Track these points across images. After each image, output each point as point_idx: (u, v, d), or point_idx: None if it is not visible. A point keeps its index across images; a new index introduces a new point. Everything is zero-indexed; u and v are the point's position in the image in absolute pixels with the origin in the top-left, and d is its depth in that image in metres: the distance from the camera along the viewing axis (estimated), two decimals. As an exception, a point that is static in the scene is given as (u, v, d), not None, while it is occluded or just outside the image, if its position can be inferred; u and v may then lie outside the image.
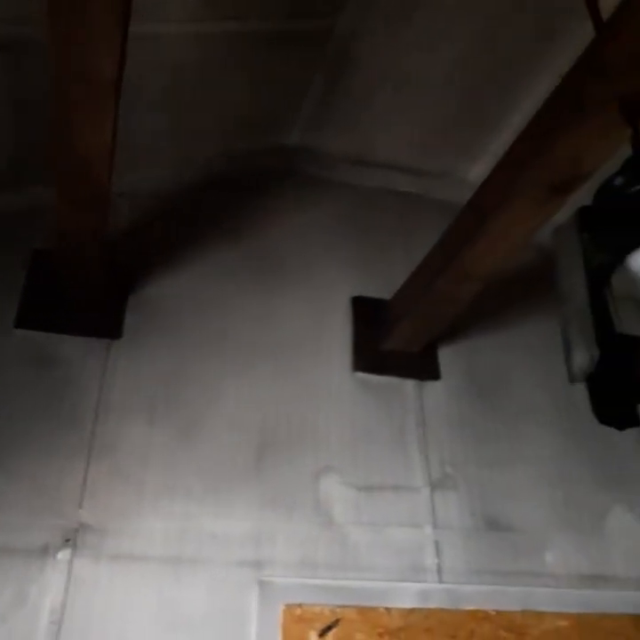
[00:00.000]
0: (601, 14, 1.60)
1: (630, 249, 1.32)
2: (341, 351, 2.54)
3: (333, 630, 2.03)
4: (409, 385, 2.56)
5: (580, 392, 2.39)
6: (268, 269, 2.63)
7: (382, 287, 2.64)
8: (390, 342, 2.52)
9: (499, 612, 2.18)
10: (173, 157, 2.44)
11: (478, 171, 2.61)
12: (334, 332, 2.57)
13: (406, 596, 2.13)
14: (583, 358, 1.22)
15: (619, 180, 1.37)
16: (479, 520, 2.35)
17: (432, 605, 2.14)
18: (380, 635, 2.06)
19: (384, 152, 2.83)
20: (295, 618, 2.02)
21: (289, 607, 2.02)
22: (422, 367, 2.59)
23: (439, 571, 2.21)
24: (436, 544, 2.26)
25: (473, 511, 2.35)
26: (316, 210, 2.84)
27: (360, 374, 2.51)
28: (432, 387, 2.58)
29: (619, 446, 2.63)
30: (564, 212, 1.57)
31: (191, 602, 1.96)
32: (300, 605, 2.04)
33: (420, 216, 2.85)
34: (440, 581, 2.19)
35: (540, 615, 2.21)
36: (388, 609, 2.10)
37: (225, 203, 2.72)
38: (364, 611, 2.08)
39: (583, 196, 1.49)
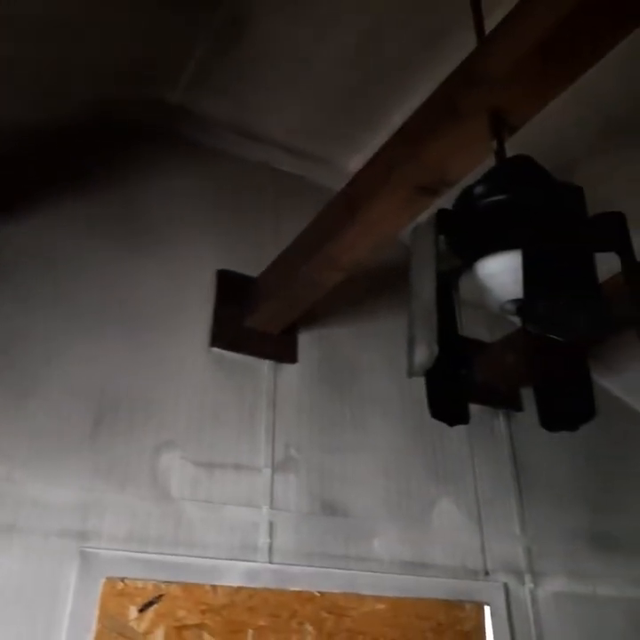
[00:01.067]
0: (484, 27, 1.66)
1: (479, 256, 1.38)
2: (200, 325, 2.47)
3: (155, 606, 1.98)
4: (265, 366, 2.54)
5: (424, 387, 2.51)
6: (131, 230, 2.50)
7: (250, 264, 2.60)
8: (252, 321, 2.49)
9: (323, 594, 2.24)
10: (41, 94, 2.24)
11: (358, 163, 2.63)
12: (195, 304, 2.50)
13: (234, 574, 2.13)
14: (423, 354, 1.25)
15: (478, 189, 1.42)
16: (316, 504, 2.39)
17: (259, 585, 2.15)
18: (203, 612, 2.04)
19: (268, 128, 2.79)
20: (116, 592, 1.95)
21: (110, 580, 1.95)
22: (281, 349, 2.59)
23: (270, 551, 2.23)
24: (271, 525, 2.27)
25: (311, 495, 2.39)
26: (192, 176, 2.74)
27: (216, 350, 2.46)
28: (288, 370, 2.58)
29: (452, 442, 2.79)
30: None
31: (1, 572, 1.83)
32: (122, 579, 1.97)
33: (296, 198, 2.83)
34: (270, 561, 2.21)
35: (361, 598, 2.29)
36: (213, 586, 2.09)
37: (93, 153, 2.55)
38: (189, 587, 2.05)
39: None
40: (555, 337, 1.14)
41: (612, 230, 1.41)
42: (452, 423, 1.49)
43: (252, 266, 2.59)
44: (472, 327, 3.03)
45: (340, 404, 2.63)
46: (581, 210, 1.24)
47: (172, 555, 2.07)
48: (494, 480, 2.81)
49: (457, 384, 1.46)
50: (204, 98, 2.64)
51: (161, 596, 2.01)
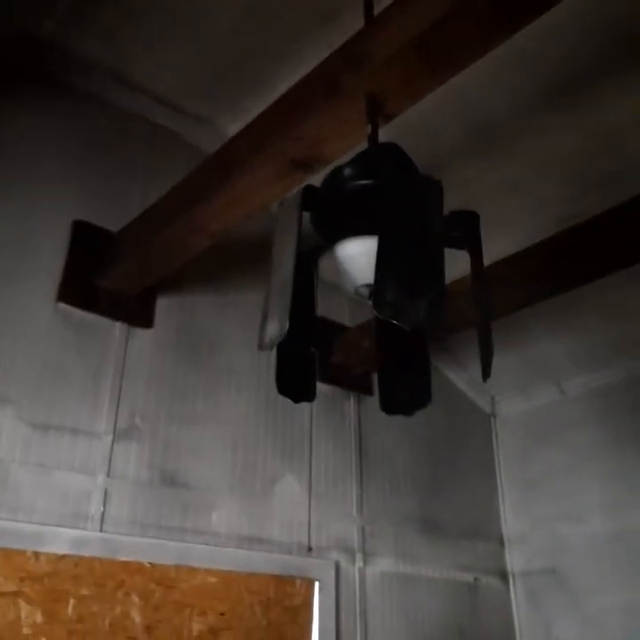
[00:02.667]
0: (373, 11, 1.66)
1: (340, 238, 1.38)
2: (48, 277, 2.30)
3: (-35, 573, 1.84)
4: (117, 328, 2.43)
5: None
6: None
7: (112, 219, 2.45)
8: (106, 279, 2.36)
9: (154, 565, 2.19)
10: None
11: (237, 128, 2.57)
12: (46, 253, 2.33)
13: (60, 541, 2.02)
14: (274, 329, 1.24)
15: (346, 171, 1.42)
16: (156, 474, 2.32)
17: (86, 554, 2.06)
18: (22, 579, 1.92)
19: (150, 79, 2.64)
20: None
21: None
22: (135, 313, 2.48)
23: (102, 520, 2.14)
24: (106, 493, 2.18)
25: (152, 465, 2.32)
26: (59, 119, 2.54)
27: (64, 306, 2.31)
28: (141, 335, 2.48)
29: (302, 421, 2.83)
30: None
31: None
32: None
33: (171, 156, 2.71)
34: (100, 530, 2.12)
35: (192, 570, 2.27)
36: (36, 553, 1.97)
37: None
38: (9, 553, 1.92)
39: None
40: (399, 324, 1.16)
41: (465, 229, 1.47)
42: (296, 400, 1.49)
43: (114, 221, 2.44)
44: (334, 310, 3.09)
45: (194, 375, 2.57)
46: (439, 204, 1.27)
47: (-9, 519, 1.93)
48: (338, 460, 2.89)
49: (305, 362, 1.46)
50: (80, 37, 2.45)
51: (-27, 562, 1.87)
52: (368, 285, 1.39)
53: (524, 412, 3.54)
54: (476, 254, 1.46)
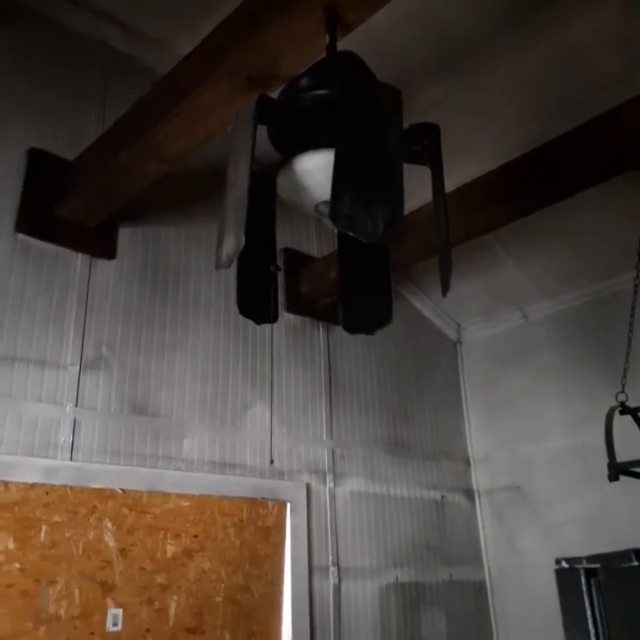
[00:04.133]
0: None
1: (298, 151, 1.36)
2: (5, 208, 2.24)
3: None
4: (79, 259, 2.38)
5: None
6: None
7: (68, 146, 2.37)
8: (65, 209, 2.30)
9: (126, 491, 2.22)
10: None
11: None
12: (0, 184, 2.25)
13: (30, 471, 2.04)
14: (230, 245, 1.22)
15: (303, 81, 1.38)
16: (125, 404, 2.33)
17: (57, 482, 2.08)
18: (-8, 508, 1.94)
19: (103, -1, 2.51)
20: None
21: None
22: (97, 243, 2.43)
23: (72, 449, 2.16)
24: (75, 423, 2.19)
25: (121, 395, 2.33)
26: (12, 43, 2.41)
27: (23, 237, 2.26)
28: (104, 266, 2.44)
29: (271, 350, 2.85)
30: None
31: None
32: None
33: (127, 80, 2.60)
34: (71, 459, 2.14)
35: (165, 495, 2.31)
36: (5, 483, 1.98)
37: None
38: (-23, 484, 1.93)
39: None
40: (357, 236, 1.16)
41: (426, 143, 1.45)
42: (258, 321, 1.49)
43: (70, 148, 2.36)
44: (303, 242, 3.08)
45: (161, 305, 2.55)
46: (398, 114, 1.24)
47: (-42, 450, 1.93)
48: (308, 388, 2.93)
49: (266, 281, 1.46)
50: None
51: (-57, 491, 1.87)
52: (327, 203, 1.38)
53: (489, 338, 3.61)
54: (436, 168, 1.45)
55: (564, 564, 2.25)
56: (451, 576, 3.10)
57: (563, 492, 3.10)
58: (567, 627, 2.22)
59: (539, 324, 3.40)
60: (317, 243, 3.14)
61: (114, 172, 2.10)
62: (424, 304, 3.58)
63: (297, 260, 3.01)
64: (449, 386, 3.57)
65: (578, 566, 2.20)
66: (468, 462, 3.46)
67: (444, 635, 2.97)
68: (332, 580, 2.66)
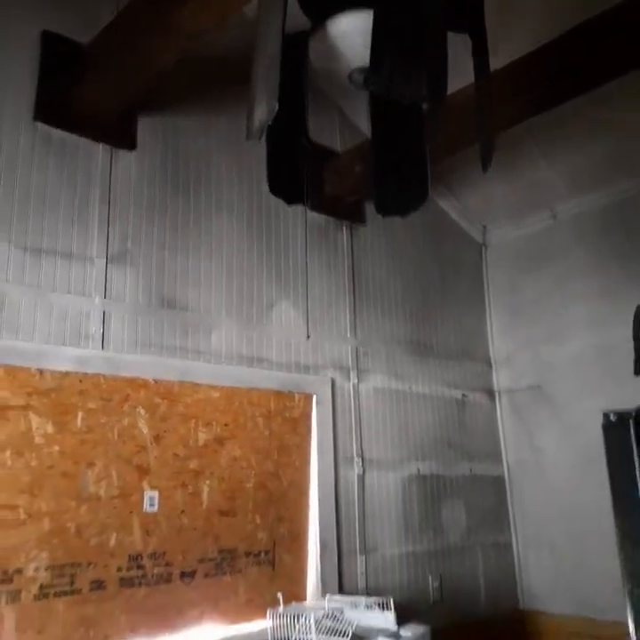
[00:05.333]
0: None
1: (332, 13, 1.28)
2: (21, 94, 2.18)
3: (-26, 386, 1.90)
4: (100, 150, 2.33)
5: (271, 194, 2.45)
6: None
7: (81, 29, 2.27)
8: (83, 96, 2.23)
9: (157, 381, 2.27)
10: None
11: None
12: (15, 68, 2.18)
13: (63, 359, 2.08)
14: (262, 112, 1.18)
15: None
16: (153, 297, 2.35)
17: (90, 370, 2.13)
18: (29, 394, 1.99)
19: None
20: None
21: None
22: (117, 133, 2.37)
23: (103, 339, 2.19)
24: (104, 314, 2.21)
25: (148, 288, 2.34)
26: None
27: (42, 126, 2.21)
28: (125, 158, 2.39)
29: (295, 249, 2.82)
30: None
31: None
32: (-64, 360, 1.85)
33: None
34: (102, 349, 2.18)
35: (195, 386, 2.36)
36: (40, 371, 2.03)
37: None
38: (13, 371, 1.98)
39: None
40: (398, 98, 1.11)
41: (467, 11, 1.37)
42: (290, 201, 1.47)
43: (84, 32, 2.26)
44: (324, 135, 2.99)
45: (183, 202, 2.52)
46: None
47: (-7, 337, 1.97)
48: (332, 288, 2.92)
49: (298, 155, 1.42)
50: None
51: (-19, 377, 1.92)
52: (363, 69, 1.32)
53: (515, 240, 3.55)
54: (478, 39, 1.37)
55: (613, 418, 2.27)
56: (471, 470, 3.19)
57: (583, 390, 3.12)
58: (614, 480, 2.26)
59: (566, 225, 3.33)
60: (340, 136, 3.05)
61: (130, 54, 2.02)
62: (450, 205, 3.51)
63: (319, 156, 2.92)
64: (473, 288, 3.55)
65: (627, 418, 2.21)
66: (489, 363, 3.48)
67: (464, 524, 3.08)
68: (357, 469, 2.75)
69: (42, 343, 2.06)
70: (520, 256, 3.51)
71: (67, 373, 2.08)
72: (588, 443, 3.04)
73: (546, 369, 3.29)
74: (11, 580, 1.84)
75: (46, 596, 1.89)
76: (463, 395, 3.29)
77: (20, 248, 2.09)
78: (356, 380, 2.87)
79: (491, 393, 3.44)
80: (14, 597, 1.83)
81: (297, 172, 1.43)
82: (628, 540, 2.21)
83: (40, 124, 2.20)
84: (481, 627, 2.92)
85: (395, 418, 2.98)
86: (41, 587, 1.88)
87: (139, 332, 2.28)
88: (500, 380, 3.46)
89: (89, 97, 2.21)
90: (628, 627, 2.32)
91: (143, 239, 2.38)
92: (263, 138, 1.25)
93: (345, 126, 3.08)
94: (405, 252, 3.27)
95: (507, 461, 3.36)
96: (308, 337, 2.66)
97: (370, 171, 1.51)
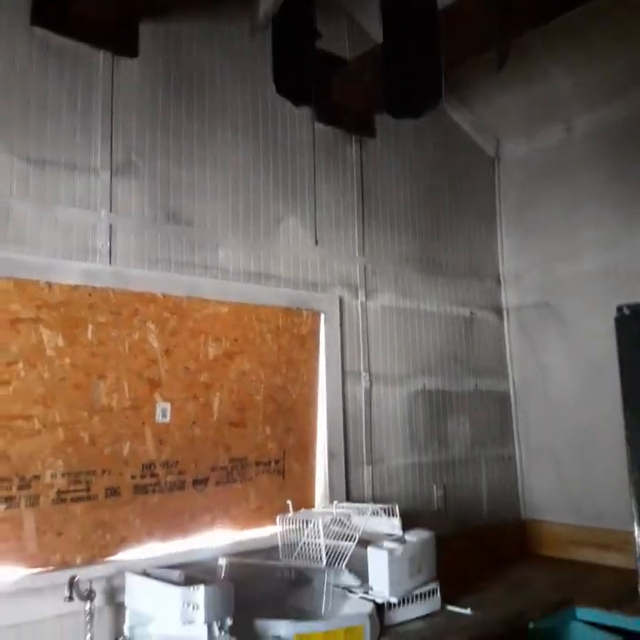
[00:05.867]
0: None
1: None
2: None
3: (-16, 299, 1.91)
4: (100, 57, 2.24)
5: (279, 102, 2.36)
6: None
7: None
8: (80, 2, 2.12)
9: (165, 296, 2.27)
10: None
11: None
12: (9, -32, 2.07)
13: (71, 273, 2.07)
14: (268, 1, 1.11)
15: None
16: (159, 212, 2.31)
17: (99, 285, 2.13)
18: (39, 307, 2.00)
19: None
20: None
21: None
22: (118, 39, 2.27)
23: (110, 253, 2.17)
24: (110, 228, 2.18)
25: (154, 203, 2.30)
26: None
27: (40, 31, 2.11)
28: (127, 66, 2.30)
29: (302, 164, 2.76)
30: None
31: None
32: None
33: None
34: (110, 263, 2.17)
35: (204, 301, 2.36)
36: (49, 284, 2.03)
37: None
38: (22, 284, 1.97)
39: None
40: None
41: None
42: (297, 102, 1.41)
43: None
44: (332, 42, 2.85)
45: (187, 113, 2.44)
46: None
47: (0, 251, 1.95)
48: (340, 204, 2.87)
49: (306, 49, 1.35)
50: None
51: (-10, 289, 1.92)
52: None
53: (528, 155, 3.45)
54: None
55: (626, 311, 2.25)
56: (476, 386, 3.23)
57: (592, 309, 3.11)
58: (624, 375, 2.27)
59: (581, 139, 3.23)
60: (349, 44, 2.91)
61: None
62: (463, 117, 3.39)
63: (326, 64, 2.80)
64: (484, 204, 3.49)
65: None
66: (498, 281, 3.47)
67: (468, 437, 3.15)
68: (364, 384, 2.78)
69: (49, 257, 2.04)
70: (533, 171, 3.42)
71: (76, 287, 2.08)
72: (594, 360, 3.07)
73: (555, 286, 3.27)
74: (29, 486, 1.90)
75: (64, 500, 1.96)
76: (471, 312, 3.29)
77: (23, 159, 2.04)
78: (363, 298, 2.86)
79: (499, 310, 3.43)
80: (33, 502, 1.90)
81: (304, 73, 1.37)
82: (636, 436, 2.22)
83: (37, 30, 2.10)
84: (483, 535, 3.04)
85: (402, 335, 2.99)
86: (58, 492, 1.95)
87: (145, 247, 2.26)
88: (508, 297, 3.45)
89: (88, 3, 2.10)
90: (632, 534, 2.40)
91: (147, 150, 2.32)
92: (269, 36, 1.19)
93: (354, 33, 2.94)
94: (416, 166, 3.19)
95: (513, 377, 3.40)
96: (316, 243, 2.64)
97: (381, 74, 1.44)
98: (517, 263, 3.44)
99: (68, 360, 2.03)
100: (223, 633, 1.69)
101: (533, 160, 3.43)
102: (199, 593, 1.67)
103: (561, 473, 3.17)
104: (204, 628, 1.66)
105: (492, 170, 3.55)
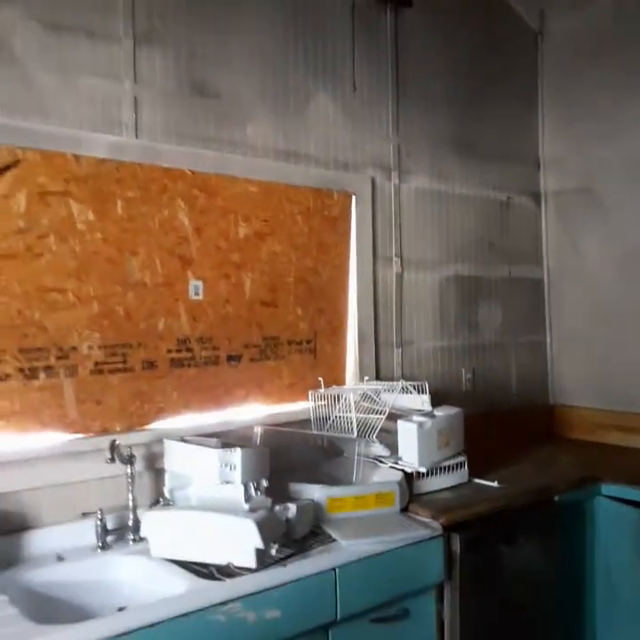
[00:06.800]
0: None
1: None
2: None
3: (12, 170, 1.88)
4: None
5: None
6: None
7: None
8: None
9: (194, 173, 2.22)
10: None
11: None
12: None
13: (98, 146, 2.02)
14: None
15: None
16: (185, 84, 2.22)
17: (126, 159, 2.08)
18: (67, 180, 1.97)
19: None
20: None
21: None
22: None
23: (136, 127, 2.11)
24: (136, 100, 2.11)
25: (179, 74, 2.21)
26: None
27: None
28: None
29: (334, 36, 2.60)
30: None
31: None
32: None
33: None
34: (136, 137, 2.11)
35: (233, 179, 2.31)
36: (76, 157, 1.99)
37: None
38: (49, 155, 1.94)
39: None
40: None
41: None
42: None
43: None
44: None
45: None
46: None
47: (25, 121, 1.90)
48: (373, 80, 2.73)
49: None
50: None
51: (18, 161, 1.89)
52: None
53: (574, 30, 3.21)
54: None
55: None
56: (510, 272, 3.18)
57: (635, 195, 2.99)
58: None
59: (632, 11, 2.98)
60: None
61: None
62: (505, -16, 3.15)
63: None
64: (525, 82, 3.29)
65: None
66: (537, 165, 3.33)
67: (499, 323, 3.13)
68: (396, 268, 2.75)
69: (74, 128, 1.99)
70: (579, 47, 3.20)
71: (103, 161, 2.03)
72: (632, 247, 2.98)
73: (597, 171, 3.13)
74: (67, 357, 1.95)
75: (101, 371, 2.01)
76: (508, 197, 3.18)
77: (40, 24, 1.95)
78: (397, 180, 2.78)
79: (536, 196, 3.32)
80: (72, 372, 1.95)
81: None
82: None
83: None
84: (510, 416, 3.08)
85: (436, 219, 2.92)
86: (96, 363, 2.00)
87: (172, 121, 2.18)
88: (547, 182, 3.32)
89: None
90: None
91: (170, 18, 2.20)
92: None
93: None
94: (454, 40, 3.00)
95: (547, 265, 3.33)
96: (354, 90, 2.51)
97: None
98: (558, 146, 3.28)
99: (99, 235, 2.02)
100: (259, 493, 1.76)
101: (580, 34, 3.19)
102: (236, 454, 1.72)
103: (592, 359, 3.15)
104: (241, 488, 1.73)
105: (535, 45, 3.33)
